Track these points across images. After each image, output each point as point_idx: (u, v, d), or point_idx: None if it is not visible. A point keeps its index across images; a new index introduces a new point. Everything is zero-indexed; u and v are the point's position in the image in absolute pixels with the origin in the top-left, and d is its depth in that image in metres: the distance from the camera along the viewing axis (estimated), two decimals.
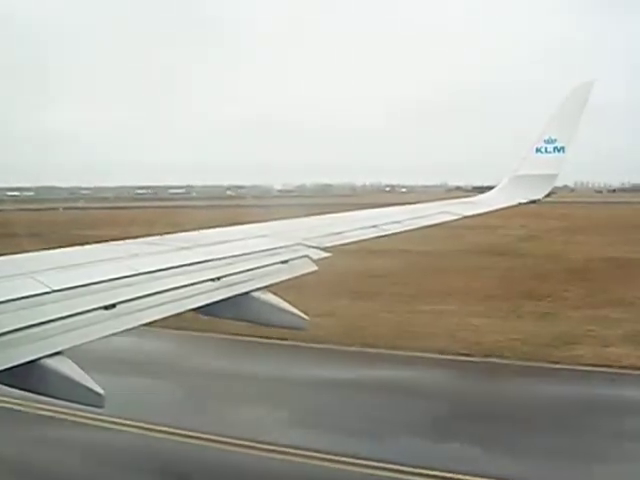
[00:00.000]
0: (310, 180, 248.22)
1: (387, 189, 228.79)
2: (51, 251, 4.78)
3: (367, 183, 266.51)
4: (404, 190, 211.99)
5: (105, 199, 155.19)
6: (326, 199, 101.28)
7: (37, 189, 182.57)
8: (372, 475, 9.88)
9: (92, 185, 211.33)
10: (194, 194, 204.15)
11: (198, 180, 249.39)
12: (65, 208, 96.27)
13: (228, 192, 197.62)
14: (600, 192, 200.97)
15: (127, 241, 5.47)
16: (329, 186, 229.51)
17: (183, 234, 6.07)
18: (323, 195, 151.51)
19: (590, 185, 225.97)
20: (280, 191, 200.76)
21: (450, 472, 9.84)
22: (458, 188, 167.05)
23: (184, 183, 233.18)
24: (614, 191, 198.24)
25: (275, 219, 7.48)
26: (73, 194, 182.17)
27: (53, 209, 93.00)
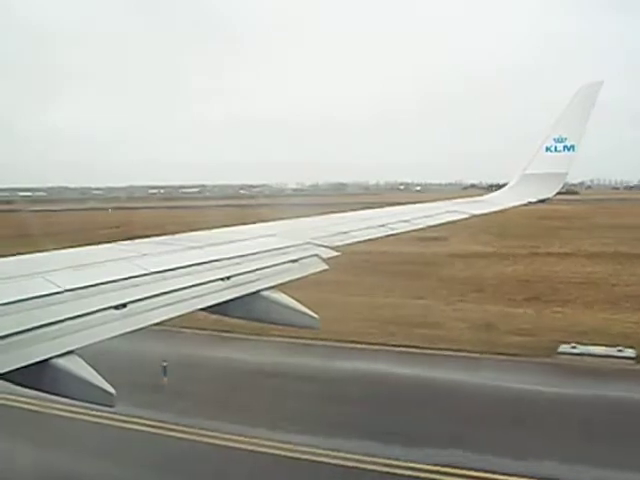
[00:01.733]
0: (323, 179, 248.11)
1: (401, 187, 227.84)
2: (62, 251, 4.82)
3: (381, 182, 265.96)
4: (418, 188, 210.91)
5: (117, 199, 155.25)
6: (341, 198, 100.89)
7: (48, 189, 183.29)
8: None
9: (103, 185, 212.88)
10: (207, 193, 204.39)
11: (209, 180, 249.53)
12: (113, 209, 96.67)
13: (241, 191, 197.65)
14: (617, 189, 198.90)
15: (137, 241, 5.49)
16: (343, 185, 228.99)
17: (193, 233, 6.07)
18: (337, 194, 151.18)
19: (604, 183, 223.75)
20: (294, 190, 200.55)
21: None
22: (473, 186, 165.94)
23: (195, 182, 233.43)
24: (631, 188, 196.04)
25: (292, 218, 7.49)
26: (84, 194, 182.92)
27: (102, 209, 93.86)
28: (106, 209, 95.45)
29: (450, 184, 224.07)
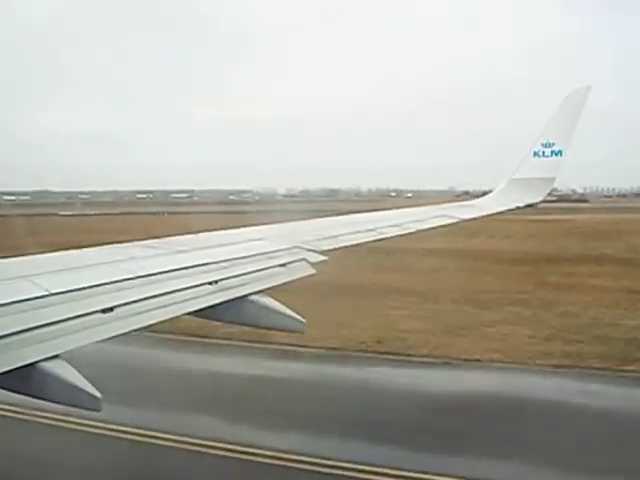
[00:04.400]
0: (315, 185, 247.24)
1: (393, 194, 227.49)
2: (49, 254, 4.80)
3: (373, 188, 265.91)
4: (410, 195, 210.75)
5: (109, 204, 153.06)
6: (334, 204, 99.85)
7: (32, 193, 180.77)
8: None
9: (86, 189, 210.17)
10: (195, 198, 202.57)
11: (196, 184, 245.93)
12: (169, 213, 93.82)
13: (231, 197, 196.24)
14: (610, 197, 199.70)
15: (125, 244, 5.49)
16: (335, 191, 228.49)
17: (181, 237, 6.08)
18: (330, 200, 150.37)
19: (597, 190, 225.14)
20: (284, 196, 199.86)
21: None
22: (466, 193, 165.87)
23: (183, 187, 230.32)
24: (624, 196, 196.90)
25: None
26: (71, 198, 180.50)
27: (158, 213, 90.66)
28: (160, 213, 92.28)
29: (443, 191, 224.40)
